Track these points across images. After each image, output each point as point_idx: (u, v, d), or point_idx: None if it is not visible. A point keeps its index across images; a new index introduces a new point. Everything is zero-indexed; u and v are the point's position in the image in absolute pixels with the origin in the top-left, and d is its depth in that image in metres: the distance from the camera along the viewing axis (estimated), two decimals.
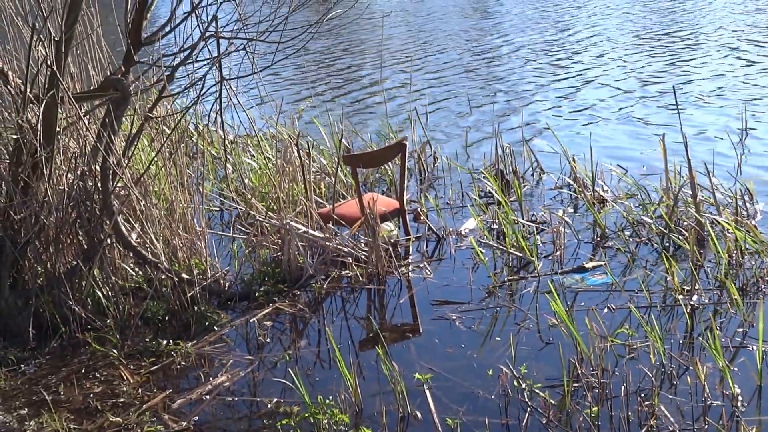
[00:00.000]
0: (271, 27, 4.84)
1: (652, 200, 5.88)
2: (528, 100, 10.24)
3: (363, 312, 4.94)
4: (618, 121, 8.90)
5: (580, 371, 3.78)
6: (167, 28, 4.80)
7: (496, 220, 5.84)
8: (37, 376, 4.29)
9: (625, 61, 12.13)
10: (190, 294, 4.72)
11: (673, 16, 16.53)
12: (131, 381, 4.16)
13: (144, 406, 3.92)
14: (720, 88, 9.99)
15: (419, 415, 3.67)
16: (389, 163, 6.70)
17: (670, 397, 3.63)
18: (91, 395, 4.06)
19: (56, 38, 4.42)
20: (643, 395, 3.62)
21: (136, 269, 5.06)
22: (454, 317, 4.62)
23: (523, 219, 5.87)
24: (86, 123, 4.90)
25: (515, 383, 3.77)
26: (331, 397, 3.72)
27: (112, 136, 4.59)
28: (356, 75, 13.08)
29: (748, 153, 7.23)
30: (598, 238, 5.59)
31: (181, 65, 4.83)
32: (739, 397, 3.56)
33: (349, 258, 5.31)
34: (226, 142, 6.25)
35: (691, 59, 11.91)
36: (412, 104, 9.35)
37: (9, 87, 4.65)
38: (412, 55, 14.14)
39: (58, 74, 4.39)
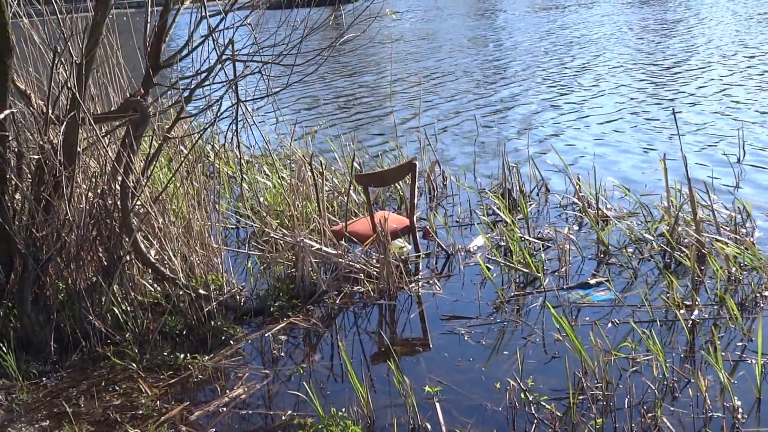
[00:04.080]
0: (285, 50, 4.96)
1: (654, 218, 5.96)
2: (534, 120, 10.34)
3: (374, 326, 5.00)
4: (621, 141, 8.98)
5: (585, 384, 3.83)
6: (185, 52, 4.90)
7: (504, 238, 5.92)
8: (58, 388, 4.34)
9: (628, 83, 12.23)
10: (206, 309, 4.78)
11: (675, 39, 16.63)
12: (150, 394, 4.22)
13: (162, 418, 3.97)
14: (719, 108, 10.06)
15: (429, 427, 3.73)
16: (400, 182, 6.81)
17: (672, 409, 3.69)
18: (111, 407, 4.12)
19: (77, 61, 4.51)
20: (646, 407, 3.67)
21: (155, 285, 5.11)
22: (462, 332, 4.68)
23: (529, 236, 5.94)
24: (106, 143, 4.99)
25: (522, 396, 3.83)
26: (343, 410, 3.79)
27: (132, 155, 4.66)
28: (367, 97, 13.20)
29: (745, 172, 7.30)
30: (602, 255, 5.65)
31: (198, 87, 4.91)
32: (740, 410, 3.62)
33: (361, 274, 5.37)
34: (242, 161, 6.33)
35: (691, 81, 11.99)
36: (422, 125, 9.49)
37: (32, 108, 4.74)
38: (421, 78, 14.26)
39: (79, 96, 4.47)
